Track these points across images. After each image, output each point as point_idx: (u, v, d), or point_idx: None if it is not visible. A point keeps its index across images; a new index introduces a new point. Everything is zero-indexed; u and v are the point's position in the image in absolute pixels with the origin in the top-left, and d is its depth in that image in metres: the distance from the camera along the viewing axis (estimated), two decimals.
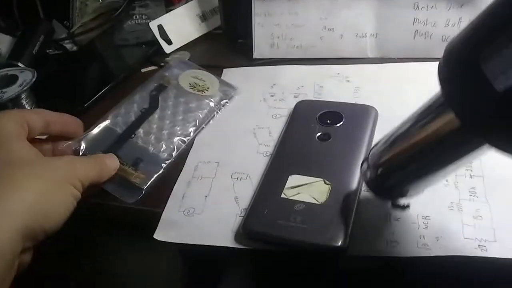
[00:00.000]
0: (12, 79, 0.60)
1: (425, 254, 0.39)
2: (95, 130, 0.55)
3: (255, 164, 0.51)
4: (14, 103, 0.60)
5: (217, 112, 0.60)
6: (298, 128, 0.53)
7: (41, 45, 0.76)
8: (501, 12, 0.27)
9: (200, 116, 0.58)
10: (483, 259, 0.38)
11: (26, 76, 0.61)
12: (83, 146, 0.53)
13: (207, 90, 0.61)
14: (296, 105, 0.57)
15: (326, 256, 0.41)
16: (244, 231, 0.43)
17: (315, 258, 0.42)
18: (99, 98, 0.66)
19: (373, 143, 0.50)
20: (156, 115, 0.58)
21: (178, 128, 0.56)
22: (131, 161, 0.52)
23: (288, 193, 0.45)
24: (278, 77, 0.64)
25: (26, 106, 0.61)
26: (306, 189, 0.45)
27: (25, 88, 0.59)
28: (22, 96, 0.60)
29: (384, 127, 0.52)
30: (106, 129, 0.56)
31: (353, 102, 0.56)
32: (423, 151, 0.34)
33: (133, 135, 0.55)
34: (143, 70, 0.72)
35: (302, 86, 0.62)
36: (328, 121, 0.53)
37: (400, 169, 0.37)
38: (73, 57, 0.78)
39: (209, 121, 0.59)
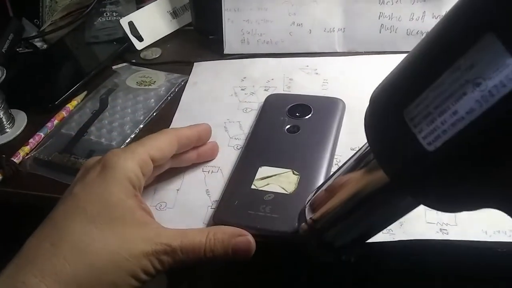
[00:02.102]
0: None
1: (390, 239, 0.41)
2: (50, 139, 0.60)
3: (226, 157, 0.52)
4: None
5: (167, 98, 0.63)
6: (268, 121, 0.54)
7: (11, 44, 0.75)
8: (422, 69, 0.25)
9: (149, 104, 0.62)
10: (444, 241, 0.40)
11: None
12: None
13: (153, 83, 0.66)
14: (266, 99, 0.58)
15: (295, 244, 0.42)
16: (215, 222, 0.44)
17: (285, 247, 0.43)
18: (70, 96, 0.66)
19: (340, 134, 0.52)
20: (106, 113, 0.62)
21: (128, 118, 0.60)
22: (85, 155, 0.55)
23: (257, 184, 0.46)
24: (249, 71, 0.65)
25: None
26: (275, 180, 0.46)
27: None
28: None
29: (351, 118, 0.54)
30: (60, 135, 0.60)
31: (322, 94, 0.57)
32: (354, 207, 0.32)
33: (85, 134, 0.59)
34: (114, 67, 0.72)
35: (272, 79, 0.62)
36: (297, 114, 0.54)
37: (335, 224, 0.35)
38: (43, 55, 0.78)
39: (159, 107, 0.62)
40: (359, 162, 0.32)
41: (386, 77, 0.27)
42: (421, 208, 0.42)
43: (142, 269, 0.37)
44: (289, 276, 0.49)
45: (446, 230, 0.41)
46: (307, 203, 0.38)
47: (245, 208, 0.44)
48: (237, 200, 0.45)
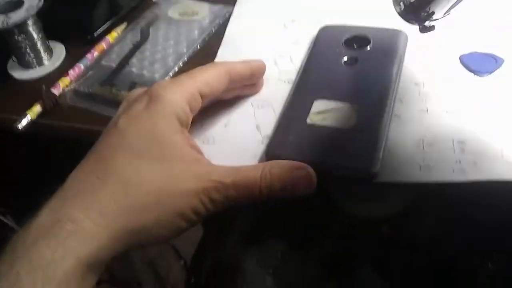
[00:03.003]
0: (18, 4, 0.57)
1: (462, 179, 0.37)
2: (90, 70, 0.57)
3: (277, 91, 0.49)
4: (20, 29, 0.56)
5: (212, 31, 0.60)
6: (322, 53, 0.50)
7: None
8: None
9: (192, 36, 0.59)
10: None
11: (32, 0, 0.57)
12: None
13: (196, 15, 0.62)
14: (319, 31, 0.53)
15: (356, 182, 0.39)
16: (268, 158, 0.41)
17: (344, 184, 0.40)
18: (109, 27, 0.63)
19: (403, 67, 0.47)
20: (148, 45, 0.59)
21: (171, 50, 0.58)
22: (127, 87, 0.53)
23: (314, 118, 0.43)
24: (299, 2, 0.60)
25: (33, 33, 0.58)
26: (333, 115, 0.43)
27: (31, 13, 0.56)
28: (29, 22, 0.57)
29: (414, 51, 0.49)
30: (100, 67, 0.57)
31: (382, 25, 0.53)
32: None
33: (127, 66, 0.56)
34: None
35: (325, 10, 0.58)
36: (355, 46, 0.49)
37: None
38: None
39: (203, 39, 0.59)
40: None
41: None
42: (498, 147, 0.39)
43: (191, 208, 0.35)
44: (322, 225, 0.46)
45: None
46: None
47: (301, 143, 0.41)
48: (291, 135, 0.42)
